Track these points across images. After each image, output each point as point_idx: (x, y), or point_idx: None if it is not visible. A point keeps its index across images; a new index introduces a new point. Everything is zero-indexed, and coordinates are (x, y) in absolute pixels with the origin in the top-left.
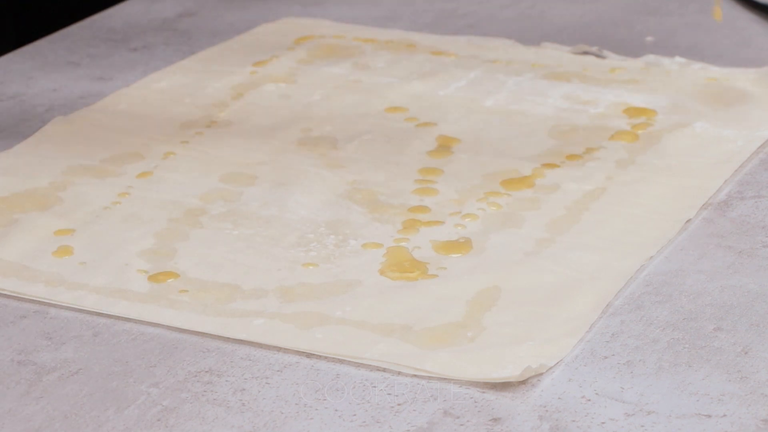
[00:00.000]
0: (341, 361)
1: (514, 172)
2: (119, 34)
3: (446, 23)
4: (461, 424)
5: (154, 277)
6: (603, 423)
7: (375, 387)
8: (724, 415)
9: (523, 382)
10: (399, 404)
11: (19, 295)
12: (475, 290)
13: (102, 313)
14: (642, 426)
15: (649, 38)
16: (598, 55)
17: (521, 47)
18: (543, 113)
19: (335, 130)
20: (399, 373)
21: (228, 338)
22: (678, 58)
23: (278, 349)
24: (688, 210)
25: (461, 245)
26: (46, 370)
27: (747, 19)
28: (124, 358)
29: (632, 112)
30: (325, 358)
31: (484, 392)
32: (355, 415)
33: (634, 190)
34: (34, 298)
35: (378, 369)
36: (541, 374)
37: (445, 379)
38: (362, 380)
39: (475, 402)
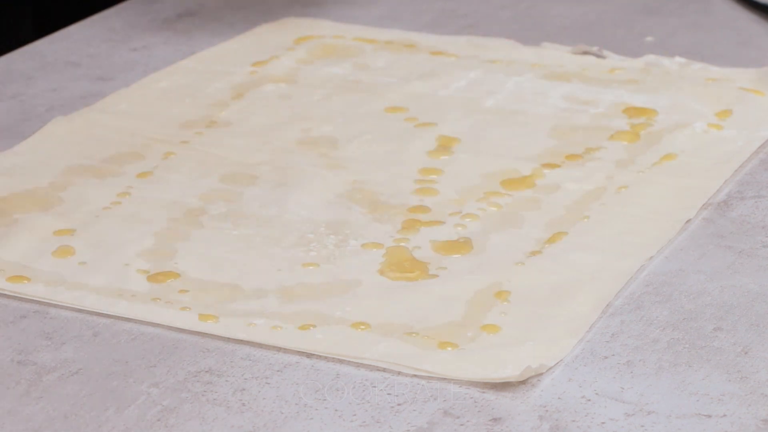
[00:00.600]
0: (341, 361)
1: (514, 172)
2: (119, 34)
3: (446, 23)
4: (461, 424)
5: (154, 277)
6: (603, 423)
7: (375, 387)
8: (724, 415)
9: (523, 382)
10: (399, 404)
11: (19, 295)
12: (475, 290)
13: (102, 313)
14: (642, 426)
15: (649, 38)
16: (598, 55)
17: (521, 47)
18: (543, 113)
19: (335, 130)
20: (399, 373)
21: (228, 338)
22: (678, 58)
23: (278, 349)
24: (688, 210)
25: (461, 245)
26: (46, 370)
27: (747, 19)
28: (124, 358)
29: (632, 112)
30: (325, 358)
31: (484, 392)
32: (355, 415)
33: (634, 190)
34: (34, 298)
35: (378, 369)
36: (541, 374)
37: (445, 379)
38: (362, 380)
39: (475, 402)
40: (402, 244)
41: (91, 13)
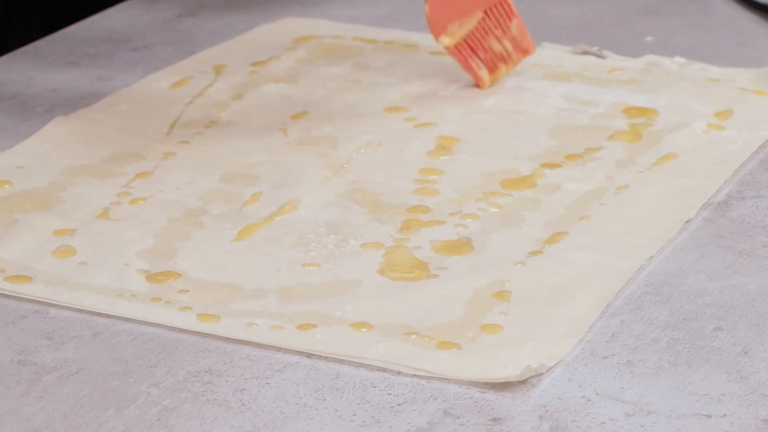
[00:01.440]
0: (341, 361)
1: (514, 172)
2: (119, 34)
3: None
4: (461, 424)
5: (153, 277)
6: (603, 423)
7: (375, 387)
8: (724, 415)
9: (523, 382)
10: (399, 404)
11: (19, 295)
12: (474, 290)
13: (102, 313)
14: (642, 426)
15: (649, 38)
16: (598, 55)
17: None
18: (543, 113)
19: (335, 130)
20: (399, 373)
21: (228, 338)
22: (678, 58)
23: (278, 349)
24: (688, 210)
25: (461, 245)
26: (46, 370)
27: (747, 19)
28: (124, 358)
29: (632, 112)
30: (325, 358)
31: (484, 392)
32: (355, 415)
33: (634, 190)
34: (34, 298)
35: (378, 369)
36: (541, 374)
37: (445, 379)
38: (362, 380)
39: (475, 402)
40: (402, 244)
41: (91, 13)
